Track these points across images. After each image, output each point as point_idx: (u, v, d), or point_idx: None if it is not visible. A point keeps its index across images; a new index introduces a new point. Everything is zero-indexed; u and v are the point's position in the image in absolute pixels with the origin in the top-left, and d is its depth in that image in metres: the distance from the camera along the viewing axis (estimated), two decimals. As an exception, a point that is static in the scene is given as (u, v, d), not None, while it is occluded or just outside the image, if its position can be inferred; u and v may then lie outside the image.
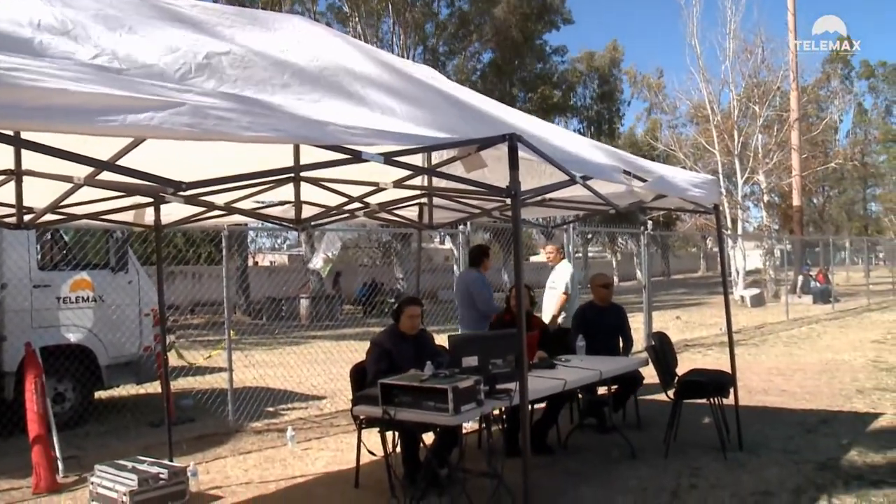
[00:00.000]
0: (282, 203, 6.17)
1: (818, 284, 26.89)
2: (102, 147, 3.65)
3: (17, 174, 4.50)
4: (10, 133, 3.03)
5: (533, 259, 48.90)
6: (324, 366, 11.59)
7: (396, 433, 5.68)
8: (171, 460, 6.47)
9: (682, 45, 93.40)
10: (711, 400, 6.60)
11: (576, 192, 5.71)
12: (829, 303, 24.49)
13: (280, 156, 4.69)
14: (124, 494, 5.46)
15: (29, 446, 6.35)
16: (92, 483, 5.82)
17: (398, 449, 5.76)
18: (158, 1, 3.11)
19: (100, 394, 9.40)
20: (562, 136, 4.97)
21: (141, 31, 2.76)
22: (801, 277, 27.73)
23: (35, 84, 2.30)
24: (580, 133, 45.66)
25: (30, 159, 4.36)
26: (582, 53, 47.60)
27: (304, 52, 3.41)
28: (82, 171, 3.82)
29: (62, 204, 4.89)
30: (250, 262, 36.63)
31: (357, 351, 9.49)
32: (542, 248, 9.33)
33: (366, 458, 5.96)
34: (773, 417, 7.95)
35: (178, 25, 2.98)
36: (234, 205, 5.72)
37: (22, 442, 6.88)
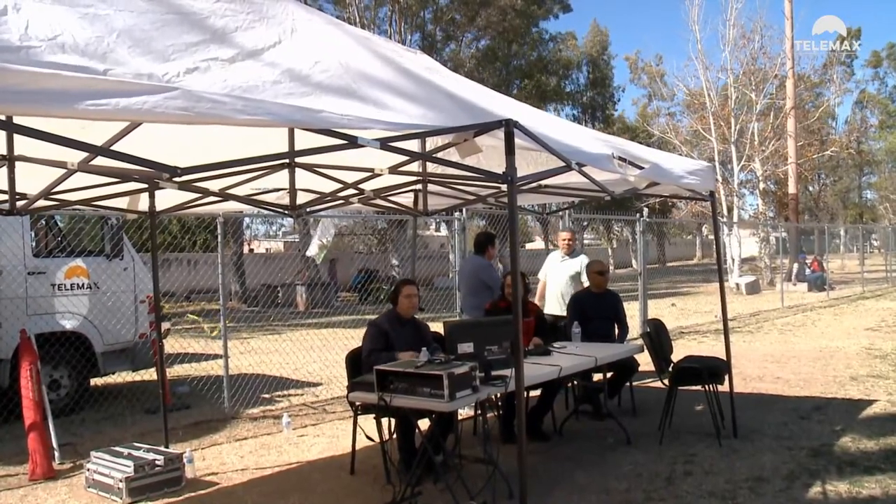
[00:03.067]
0: (276, 189, 6.16)
1: (813, 272, 26.95)
2: (96, 133, 3.63)
3: (9, 159, 4.47)
4: (3, 118, 3.01)
5: (529, 246, 48.97)
6: (319, 352, 11.59)
7: (392, 420, 5.69)
8: (167, 447, 6.47)
9: (676, 32, 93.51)
10: (706, 387, 6.61)
11: (571, 178, 5.71)
12: (824, 290, 24.55)
13: (274, 142, 4.66)
14: (120, 481, 5.47)
15: (25, 433, 6.34)
16: (88, 469, 5.83)
17: (394, 435, 5.77)
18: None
19: (95, 381, 9.39)
20: (557, 125, 4.96)
21: (130, 35, 2.72)
22: (796, 265, 27.78)
23: (26, 68, 2.29)
24: (575, 119, 45.60)
25: (23, 144, 4.33)
26: (566, 34, 47.34)
27: (297, 44, 3.37)
28: (76, 156, 3.80)
29: (56, 190, 4.87)
30: (245, 249, 36.58)
31: (353, 338, 9.48)
32: (558, 235, 9.25)
33: (361, 444, 5.97)
34: (768, 404, 7.98)
35: (170, 20, 2.94)
36: (229, 191, 5.70)
37: (18, 429, 6.88)
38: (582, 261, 8.76)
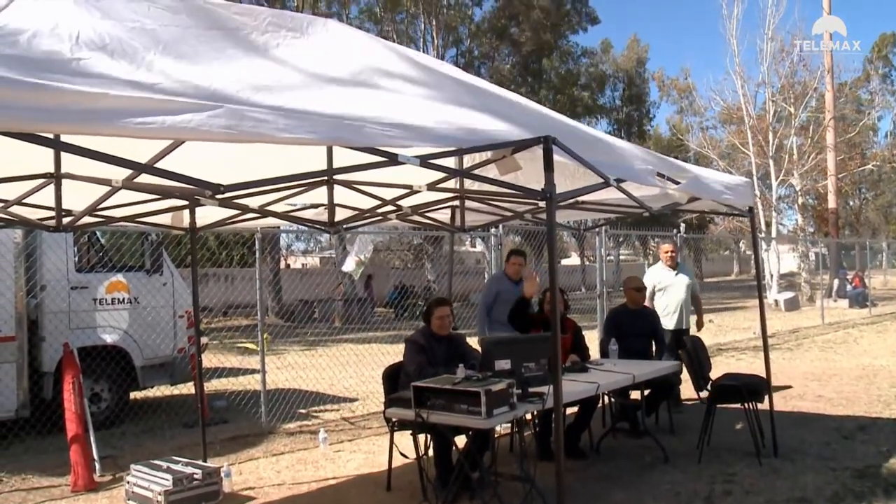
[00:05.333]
0: (315, 206, 6.21)
1: (854, 288, 26.45)
2: (140, 150, 3.69)
3: (56, 177, 4.56)
4: (51, 136, 3.08)
5: (564, 262, 48.72)
6: (355, 368, 11.62)
7: (429, 436, 5.69)
8: (205, 461, 6.53)
9: (706, 44, 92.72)
10: (745, 405, 6.51)
11: (609, 194, 5.66)
12: (866, 307, 24.06)
13: (313, 157, 4.70)
14: (159, 494, 5.53)
15: (67, 445, 6.45)
16: (128, 482, 5.90)
17: (430, 452, 5.76)
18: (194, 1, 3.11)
19: (135, 394, 9.52)
20: (595, 138, 4.93)
21: (175, 48, 2.77)
22: (836, 281, 27.29)
23: (75, 88, 2.34)
24: (609, 134, 45.43)
25: (69, 162, 4.42)
26: (602, 44, 47.12)
27: (338, 54, 3.41)
28: (120, 173, 3.86)
29: (100, 206, 4.95)
30: (282, 265, 36.84)
31: (388, 354, 9.51)
32: (661, 248, 9.54)
33: (398, 460, 5.97)
34: (809, 423, 7.83)
35: (214, 35, 2.98)
36: (268, 207, 5.76)
37: (60, 441, 6.99)
38: (690, 271, 9.19)
